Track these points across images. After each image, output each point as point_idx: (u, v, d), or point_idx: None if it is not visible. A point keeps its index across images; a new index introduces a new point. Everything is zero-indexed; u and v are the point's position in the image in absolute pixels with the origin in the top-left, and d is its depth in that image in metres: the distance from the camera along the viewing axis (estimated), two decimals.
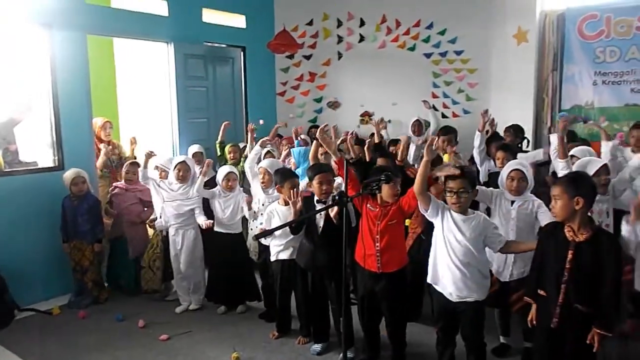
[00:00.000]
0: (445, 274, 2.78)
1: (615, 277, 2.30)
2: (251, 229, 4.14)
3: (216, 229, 4.14)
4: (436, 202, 2.81)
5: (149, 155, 4.28)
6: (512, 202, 3.16)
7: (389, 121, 6.31)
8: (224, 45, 6.35)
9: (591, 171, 3.12)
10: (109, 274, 4.75)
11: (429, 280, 2.90)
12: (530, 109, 6.11)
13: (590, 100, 5.80)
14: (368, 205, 3.12)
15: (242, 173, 4.65)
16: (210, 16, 6.04)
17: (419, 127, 6.35)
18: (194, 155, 4.90)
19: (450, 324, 2.89)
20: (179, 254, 4.25)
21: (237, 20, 6.45)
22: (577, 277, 2.35)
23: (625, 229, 2.59)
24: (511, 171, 3.17)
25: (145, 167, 4.27)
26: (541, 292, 2.52)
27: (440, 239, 2.81)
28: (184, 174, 4.16)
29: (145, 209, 4.64)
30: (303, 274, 3.52)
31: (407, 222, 3.70)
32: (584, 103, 5.84)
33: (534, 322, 2.59)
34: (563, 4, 5.93)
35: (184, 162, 4.21)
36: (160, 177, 4.35)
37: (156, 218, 4.35)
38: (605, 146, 3.92)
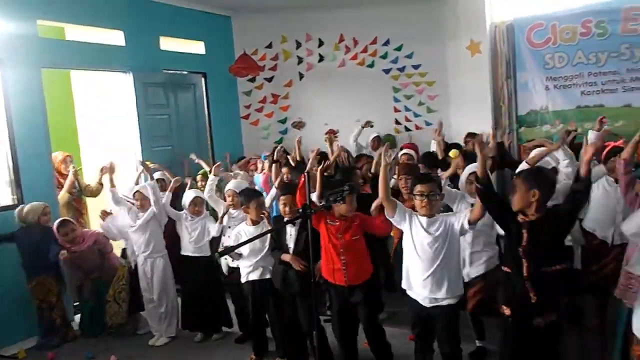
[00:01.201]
0: (418, 279, 2.79)
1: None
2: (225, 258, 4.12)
3: (184, 252, 4.11)
4: (402, 208, 2.85)
5: (110, 169, 4.28)
6: (473, 204, 3.22)
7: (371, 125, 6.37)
8: (184, 72, 6.34)
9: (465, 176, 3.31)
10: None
11: (403, 286, 2.92)
12: (488, 117, 6.30)
13: (544, 104, 6.02)
14: (327, 220, 3.14)
15: None
16: (169, 44, 6.04)
17: (378, 142, 6.44)
18: (158, 181, 4.84)
19: (426, 330, 2.90)
20: (150, 283, 4.17)
21: (196, 47, 6.46)
22: (534, 248, 2.44)
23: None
24: (470, 174, 3.25)
25: (113, 185, 4.28)
26: (505, 269, 2.60)
27: (409, 245, 2.83)
28: (141, 202, 4.13)
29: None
30: (275, 294, 3.48)
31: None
32: (539, 108, 6.06)
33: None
34: (511, 15, 6.18)
35: (138, 191, 4.17)
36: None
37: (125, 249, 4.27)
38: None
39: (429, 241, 2.74)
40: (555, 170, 3.55)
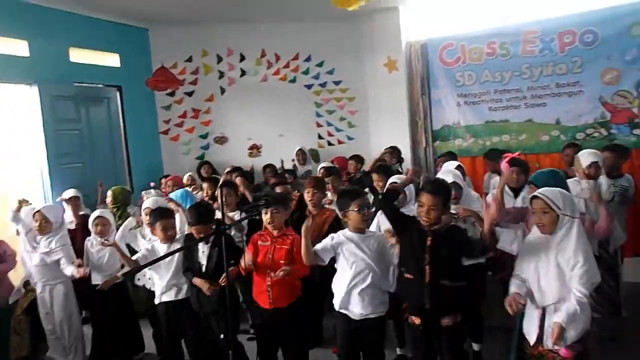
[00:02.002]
0: (353, 297, 2.79)
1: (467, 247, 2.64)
2: (138, 279, 3.92)
3: (94, 281, 3.80)
4: (323, 249, 2.83)
5: (22, 202, 3.91)
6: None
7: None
8: (98, 85, 6.04)
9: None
10: None
11: (336, 307, 2.88)
12: (406, 132, 6.56)
13: (456, 120, 6.37)
14: (259, 240, 3.10)
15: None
16: (80, 55, 5.72)
17: (303, 156, 6.52)
18: (70, 200, 4.54)
19: (353, 342, 2.89)
20: (50, 312, 3.80)
21: (111, 59, 6.18)
22: (437, 258, 2.56)
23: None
24: (391, 184, 3.35)
25: (18, 210, 3.91)
26: (408, 275, 2.67)
27: (343, 264, 2.83)
28: (41, 224, 3.73)
29: None
30: (191, 315, 3.35)
31: None
32: (452, 123, 6.40)
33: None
34: (425, 35, 6.52)
35: (39, 211, 3.76)
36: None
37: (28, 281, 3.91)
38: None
39: (364, 257, 2.77)
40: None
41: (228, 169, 6.21)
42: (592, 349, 2.58)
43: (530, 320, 2.44)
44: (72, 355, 3.87)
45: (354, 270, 2.77)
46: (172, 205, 3.76)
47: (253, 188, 4.86)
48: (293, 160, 6.53)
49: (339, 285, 2.84)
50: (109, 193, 4.72)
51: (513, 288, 2.46)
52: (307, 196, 3.81)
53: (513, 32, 5.90)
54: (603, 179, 3.78)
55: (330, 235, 2.87)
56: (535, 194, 2.47)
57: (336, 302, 2.86)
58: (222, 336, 3.21)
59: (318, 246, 2.84)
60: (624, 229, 3.87)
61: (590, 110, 5.59)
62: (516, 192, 3.60)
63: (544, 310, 2.37)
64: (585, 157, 3.63)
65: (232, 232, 3.64)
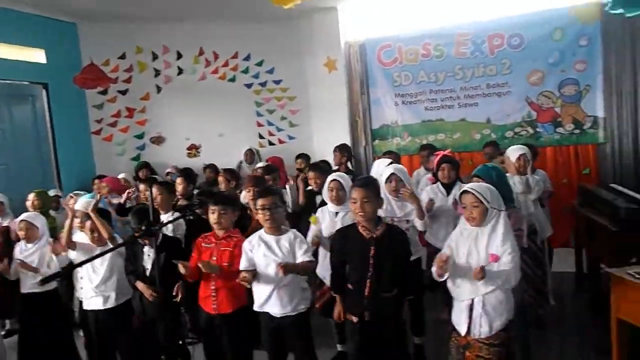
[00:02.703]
0: (270, 297, 2.77)
1: (407, 257, 2.71)
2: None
3: (23, 290, 3.54)
4: (250, 258, 2.79)
5: None
6: (336, 213, 3.33)
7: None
8: (23, 82, 5.68)
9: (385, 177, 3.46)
10: None
11: (255, 307, 2.85)
12: (346, 131, 6.63)
13: (394, 119, 6.51)
14: (203, 243, 3.00)
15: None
16: (2, 50, 5.35)
17: (251, 155, 6.45)
18: None
19: (278, 342, 2.87)
20: None
21: (36, 55, 5.82)
22: (379, 269, 2.60)
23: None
24: (330, 182, 3.35)
25: None
26: (349, 286, 2.70)
27: (260, 265, 2.79)
28: None
29: None
30: (123, 324, 3.21)
31: None
32: (390, 122, 6.54)
33: (342, 317, 2.77)
34: (363, 35, 6.61)
35: None
36: None
37: None
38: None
39: (274, 259, 2.73)
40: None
41: (169, 170, 6.06)
42: (520, 336, 2.72)
43: (459, 311, 2.52)
44: None
45: (269, 272, 2.74)
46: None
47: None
48: (241, 161, 6.42)
49: (257, 285, 2.81)
50: (32, 196, 4.45)
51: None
52: (247, 195, 3.77)
53: (447, 34, 6.11)
54: (532, 176, 3.96)
55: (247, 240, 2.83)
56: (465, 188, 2.55)
57: (256, 303, 2.84)
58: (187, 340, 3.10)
59: (243, 263, 2.79)
60: (550, 222, 4.10)
61: (518, 110, 5.89)
62: (448, 188, 3.72)
63: (472, 302, 2.46)
64: (514, 151, 3.83)
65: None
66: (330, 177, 3.42)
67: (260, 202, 2.77)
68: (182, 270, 2.77)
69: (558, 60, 5.66)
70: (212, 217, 2.96)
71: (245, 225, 3.45)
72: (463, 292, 2.48)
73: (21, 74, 5.64)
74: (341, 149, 5.54)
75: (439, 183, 3.79)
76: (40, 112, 5.80)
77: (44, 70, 5.87)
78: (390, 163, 3.95)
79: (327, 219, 3.32)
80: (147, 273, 3.12)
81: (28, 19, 5.65)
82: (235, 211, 3.05)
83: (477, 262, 2.44)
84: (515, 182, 3.69)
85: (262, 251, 2.77)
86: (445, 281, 3.65)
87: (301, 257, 2.74)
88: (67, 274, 3.16)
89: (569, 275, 4.59)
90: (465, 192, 2.53)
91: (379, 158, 5.17)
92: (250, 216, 3.72)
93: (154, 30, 6.53)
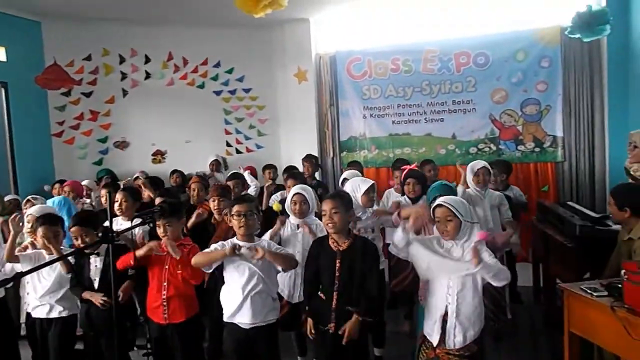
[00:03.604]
0: (241, 305, 2.72)
1: (375, 272, 2.66)
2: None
3: None
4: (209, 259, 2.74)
5: None
6: (298, 225, 3.31)
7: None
8: None
9: (362, 190, 3.46)
10: None
11: (225, 318, 2.81)
12: (314, 141, 6.65)
13: (362, 131, 6.57)
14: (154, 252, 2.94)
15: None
16: None
17: (217, 165, 6.38)
18: None
19: (245, 353, 2.84)
20: None
21: None
22: (345, 282, 2.61)
23: (398, 235, 2.84)
24: (294, 195, 3.33)
25: None
26: (321, 295, 2.70)
27: (231, 272, 2.76)
28: None
29: None
30: (62, 336, 3.11)
31: None
32: (358, 134, 6.59)
33: (312, 333, 2.75)
34: (333, 48, 6.67)
35: None
36: None
37: None
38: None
39: (250, 266, 2.71)
40: None
41: (138, 174, 5.89)
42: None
43: (432, 321, 2.54)
44: None
45: (242, 279, 2.72)
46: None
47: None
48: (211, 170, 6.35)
49: (228, 294, 2.78)
50: None
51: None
52: (212, 204, 3.72)
53: (415, 50, 6.23)
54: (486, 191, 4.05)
55: (220, 242, 2.79)
56: (438, 202, 2.56)
57: (225, 313, 2.79)
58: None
59: (205, 251, 2.76)
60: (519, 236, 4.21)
61: (482, 127, 6.04)
62: (414, 202, 3.77)
63: (446, 311, 2.47)
64: (474, 164, 3.92)
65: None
66: (293, 190, 3.40)
67: (236, 208, 2.75)
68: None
69: (521, 80, 5.85)
70: (159, 231, 2.93)
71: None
72: (438, 300, 2.50)
73: None
74: (309, 159, 5.56)
75: (405, 197, 3.84)
76: None
77: (3, 68, 5.67)
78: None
79: (289, 231, 3.31)
80: (95, 285, 3.04)
81: None
82: (180, 220, 3.02)
83: (452, 270, 2.46)
84: (472, 195, 3.79)
85: (235, 258, 2.71)
86: (407, 294, 3.71)
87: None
88: (13, 280, 3.02)
89: (526, 289, 4.70)
90: (438, 205, 2.55)
91: (345, 170, 5.20)
92: (213, 225, 3.69)
93: (122, 33, 6.42)
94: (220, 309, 2.88)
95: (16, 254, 3.19)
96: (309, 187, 3.53)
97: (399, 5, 5.99)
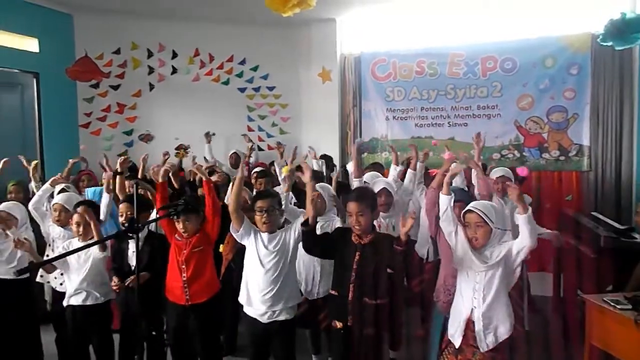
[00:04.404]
0: (257, 294, 2.77)
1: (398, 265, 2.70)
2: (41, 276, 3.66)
3: None
4: (248, 223, 2.82)
5: None
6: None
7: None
8: (13, 70, 5.61)
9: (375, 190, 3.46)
10: None
11: (241, 301, 2.86)
12: (336, 141, 6.65)
13: (384, 133, 6.55)
14: (176, 235, 3.04)
15: None
16: None
17: (237, 158, 6.42)
18: None
19: (262, 349, 2.87)
20: None
21: (28, 44, 5.76)
22: (362, 275, 2.61)
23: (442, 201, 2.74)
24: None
25: None
26: (332, 292, 2.73)
27: (252, 260, 2.80)
28: None
29: None
30: (101, 323, 3.18)
31: (221, 247, 3.66)
32: (380, 136, 6.58)
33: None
34: (359, 49, 6.66)
35: None
36: None
37: None
38: (394, 170, 4.36)
39: (271, 257, 2.75)
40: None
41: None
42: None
43: (456, 324, 2.53)
44: None
45: (260, 269, 2.76)
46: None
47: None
48: (212, 158, 6.37)
49: (247, 283, 2.82)
50: (10, 188, 4.41)
51: None
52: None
53: (441, 53, 6.19)
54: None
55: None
56: (469, 207, 2.54)
57: (242, 299, 2.84)
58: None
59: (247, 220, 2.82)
60: None
61: (506, 133, 5.97)
62: None
63: (471, 315, 2.47)
64: (493, 172, 3.88)
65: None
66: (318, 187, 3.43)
67: (258, 204, 2.80)
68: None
69: (548, 87, 5.76)
70: (179, 226, 3.01)
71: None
72: (464, 302, 2.50)
73: (12, 62, 5.57)
74: (326, 159, 5.59)
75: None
76: (29, 101, 5.72)
77: (36, 59, 5.81)
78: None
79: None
80: (133, 269, 3.10)
81: (23, 7, 5.60)
82: (199, 215, 3.07)
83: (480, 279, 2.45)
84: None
85: (259, 247, 2.78)
86: (424, 297, 3.69)
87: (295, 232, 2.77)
88: (41, 266, 3.11)
89: (545, 300, 4.63)
90: (469, 211, 2.52)
91: (366, 170, 5.20)
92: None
93: (150, 27, 6.52)
94: (236, 302, 2.93)
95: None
96: (327, 185, 3.56)
97: (426, 7, 5.95)
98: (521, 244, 2.38)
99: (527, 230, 2.34)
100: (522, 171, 2.44)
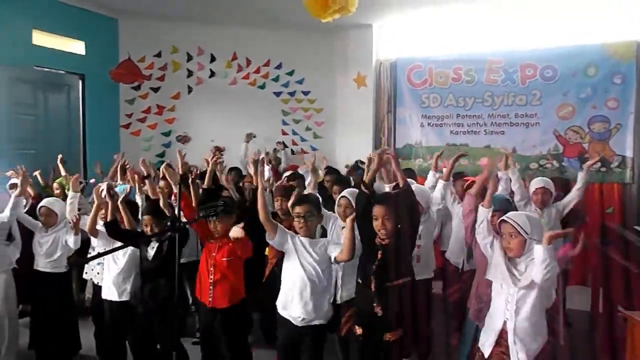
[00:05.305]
0: (295, 298, 2.79)
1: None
2: (86, 272, 3.80)
3: (35, 267, 3.66)
4: (283, 230, 2.84)
5: None
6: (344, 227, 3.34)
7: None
8: (60, 72, 5.85)
9: None
10: None
11: (278, 306, 2.89)
12: (369, 147, 6.63)
13: (419, 140, 6.51)
14: (209, 237, 3.09)
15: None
16: (43, 39, 5.54)
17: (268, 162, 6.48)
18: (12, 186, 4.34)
19: (293, 350, 2.88)
20: None
21: (76, 46, 6.00)
22: (383, 269, 2.64)
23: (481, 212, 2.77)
24: (340, 198, 3.38)
25: None
26: (359, 280, 2.76)
27: (292, 264, 2.82)
28: None
29: None
30: (135, 317, 3.26)
31: (267, 251, 3.72)
32: (414, 142, 6.53)
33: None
34: (394, 54, 6.65)
35: None
36: None
37: None
38: (432, 176, 4.29)
39: (311, 262, 2.77)
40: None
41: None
42: None
43: (487, 334, 2.51)
44: (3, 352, 3.63)
45: (300, 274, 2.77)
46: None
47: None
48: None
49: (285, 287, 2.85)
50: (56, 185, 4.58)
51: None
52: (276, 204, 3.83)
53: (479, 60, 6.11)
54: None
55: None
56: (503, 218, 2.53)
57: (279, 303, 2.87)
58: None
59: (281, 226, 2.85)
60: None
61: (545, 142, 5.83)
62: None
63: (504, 326, 2.45)
64: (533, 183, 3.80)
65: None
66: (342, 193, 3.44)
67: (296, 209, 2.83)
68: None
69: (590, 96, 5.61)
70: (210, 226, 3.06)
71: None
72: (497, 313, 2.49)
73: (60, 64, 5.81)
74: (355, 169, 5.58)
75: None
76: (75, 102, 5.95)
77: (82, 61, 6.04)
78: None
79: (336, 232, 3.34)
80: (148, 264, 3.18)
81: (71, 11, 5.84)
82: (231, 217, 3.11)
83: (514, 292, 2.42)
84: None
85: (299, 250, 2.80)
86: (460, 305, 3.64)
87: (334, 250, 2.76)
88: (90, 261, 3.22)
89: (583, 315, 4.49)
90: (503, 221, 2.51)
91: None
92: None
93: (190, 32, 6.68)
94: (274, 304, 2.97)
95: (97, 227, 3.39)
96: (355, 190, 3.55)
97: (464, 13, 5.89)
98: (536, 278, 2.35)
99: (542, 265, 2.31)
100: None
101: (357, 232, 2.73)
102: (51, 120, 5.61)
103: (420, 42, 6.50)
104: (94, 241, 3.56)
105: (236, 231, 2.82)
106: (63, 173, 4.71)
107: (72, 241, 3.54)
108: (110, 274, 3.28)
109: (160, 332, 3.16)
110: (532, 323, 2.41)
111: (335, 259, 2.72)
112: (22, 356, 3.78)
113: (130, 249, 3.20)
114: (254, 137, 6.38)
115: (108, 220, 3.17)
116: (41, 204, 3.70)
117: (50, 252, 3.63)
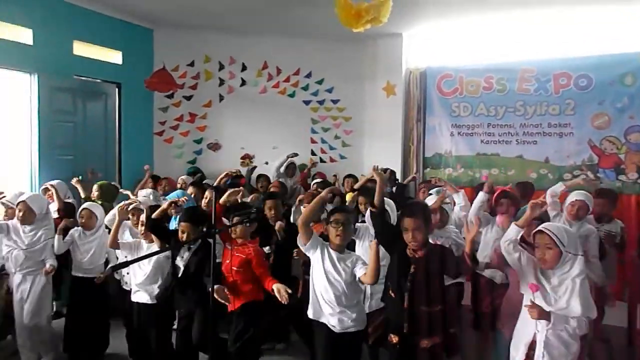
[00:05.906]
0: (326, 308, 2.81)
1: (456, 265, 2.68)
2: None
3: (74, 273, 3.77)
4: (317, 238, 2.86)
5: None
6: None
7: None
8: (97, 80, 6.05)
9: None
10: None
11: (310, 316, 2.89)
12: (398, 156, 6.63)
13: (448, 149, 6.46)
14: (227, 245, 3.26)
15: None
16: (83, 49, 5.74)
17: (294, 170, 6.53)
18: (44, 190, 4.49)
19: (333, 354, 2.86)
20: (24, 302, 3.62)
21: (113, 56, 6.20)
22: (417, 285, 2.61)
23: (512, 230, 2.72)
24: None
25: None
26: (391, 293, 2.74)
27: (320, 275, 2.83)
28: (24, 215, 3.56)
29: None
30: (159, 321, 3.36)
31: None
32: (444, 151, 6.49)
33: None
34: (424, 63, 6.64)
35: (23, 201, 3.57)
36: (6, 215, 3.85)
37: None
38: (482, 196, 3.86)
39: (337, 278, 2.78)
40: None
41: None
42: None
43: (517, 346, 2.49)
44: (41, 351, 3.76)
45: (328, 286, 2.78)
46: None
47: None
48: (278, 171, 6.49)
49: (316, 296, 2.86)
50: (95, 187, 4.71)
51: None
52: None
53: (511, 69, 6.05)
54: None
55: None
56: (540, 228, 2.48)
57: (310, 312, 2.88)
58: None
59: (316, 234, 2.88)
60: (608, 273, 3.87)
61: (579, 152, 5.72)
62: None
63: (534, 339, 2.43)
64: (571, 195, 3.71)
65: None
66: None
67: (336, 216, 2.83)
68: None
69: (627, 106, 5.48)
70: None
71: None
72: (527, 325, 2.46)
73: (98, 73, 6.01)
74: (389, 173, 5.57)
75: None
76: (111, 109, 6.14)
77: (119, 70, 6.23)
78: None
79: (367, 241, 3.34)
80: (180, 273, 3.25)
81: (109, 22, 6.03)
82: (251, 224, 3.19)
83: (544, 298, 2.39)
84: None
85: (327, 262, 2.81)
86: (490, 318, 3.58)
87: (360, 271, 2.75)
88: (116, 269, 3.34)
89: (619, 330, 4.36)
90: (539, 231, 2.47)
91: (423, 185, 5.19)
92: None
93: (223, 42, 6.82)
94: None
95: (118, 240, 3.50)
96: (391, 201, 3.56)
97: (495, 22, 5.84)
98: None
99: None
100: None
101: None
102: (89, 127, 5.80)
103: (450, 51, 6.48)
104: (117, 252, 3.68)
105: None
106: (82, 195, 4.75)
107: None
108: (136, 280, 3.38)
109: (194, 334, 3.23)
110: (563, 340, 2.37)
111: (359, 279, 2.72)
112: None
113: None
114: (297, 155, 6.40)
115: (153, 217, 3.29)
116: (83, 206, 3.83)
117: (91, 260, 3.73)
